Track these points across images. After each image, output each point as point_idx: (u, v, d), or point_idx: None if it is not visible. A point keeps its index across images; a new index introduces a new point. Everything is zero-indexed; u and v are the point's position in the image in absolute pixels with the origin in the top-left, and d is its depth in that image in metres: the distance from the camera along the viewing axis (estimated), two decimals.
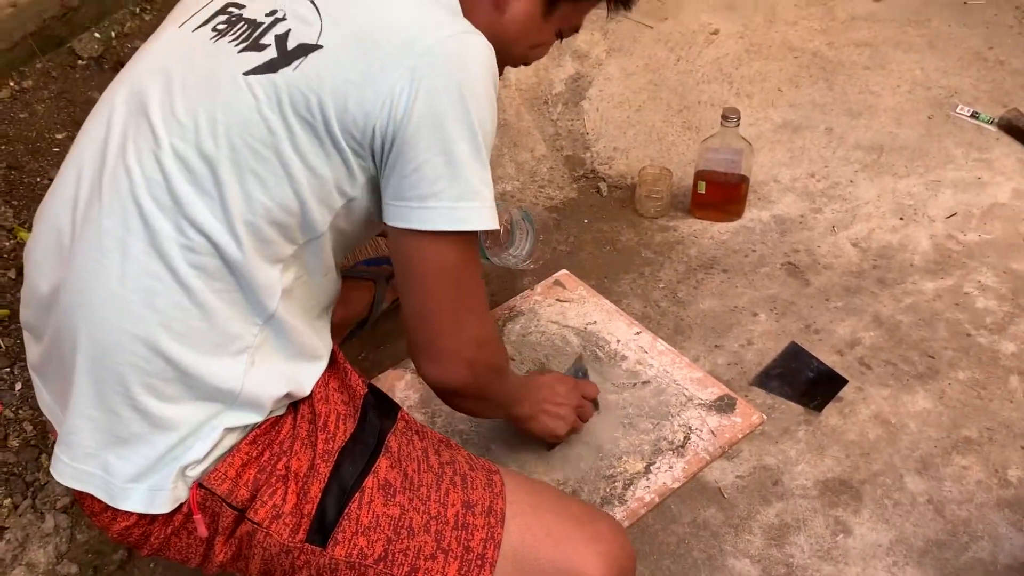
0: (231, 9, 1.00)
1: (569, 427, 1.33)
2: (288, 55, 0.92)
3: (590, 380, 1.46)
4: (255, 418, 0.95)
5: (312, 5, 0.96)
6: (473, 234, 0.97)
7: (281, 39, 0.94)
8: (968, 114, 2.15)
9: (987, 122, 2.12)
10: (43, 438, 1.37)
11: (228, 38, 0.96)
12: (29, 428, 1.37)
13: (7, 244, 1.61)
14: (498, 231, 1.48)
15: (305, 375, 1.00)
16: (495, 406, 1.20)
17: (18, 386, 1.42)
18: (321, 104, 0.90)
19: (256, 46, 0.94)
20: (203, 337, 0.91)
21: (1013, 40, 2.42)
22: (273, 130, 0.90)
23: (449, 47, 0.92)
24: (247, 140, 0.90)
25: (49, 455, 1.35)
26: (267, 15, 0.97)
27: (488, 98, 0.94)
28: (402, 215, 0.94)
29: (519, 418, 1.27)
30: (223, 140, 0.90)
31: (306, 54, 0.92)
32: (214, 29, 0.98)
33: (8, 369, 1.44)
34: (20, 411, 1.39)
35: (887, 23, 2.51)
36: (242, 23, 0.97)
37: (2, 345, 1.46)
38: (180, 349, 0.90)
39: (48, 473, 1.33)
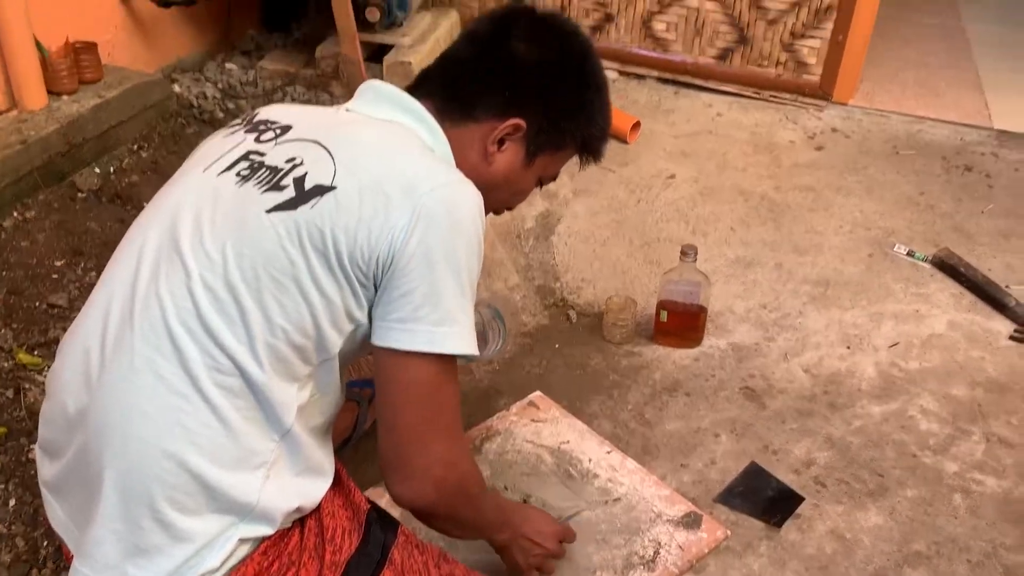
0: (252, 157, 1.10)
1: (535, 569, 1.34)
2: (306, 195, 1.03)
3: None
4: (267, 530, 1.01)
5: (326, 152, 1.07)
6: (450, 358, 1.05)
7: (299, 181, 1.04)
8: (905, 252, 2.35)
9: (922, 260, 2.32)
10: (34, 554, 1.40)
11: (252, 182, 1.06)
12: (21, 544, 1.41)
13: (5, 365, 1.68)
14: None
15: (314, 490, 1.07)
16: (470, 529, 1.22)
17: (11, 502, 1.46)
18: (335, 239, 1.00)
19: (277, 187, 1.05)
20: (226, 452, 0.98)
21: (940, 187, 2.67)
22: (293, 261, 1.00)
23: (445, 194, 1.03)
24: (269, 271, 1.00)
25: (40, 570, 1.38)
26: (286, 162, 1.08)
27: (477, 240, 1.05)
28: (385, 335, 1.03)
29: (495, 543, 1.29)
30: (248, 272, 0.99)
31: (322, 194, 1.02)
32: (238, 174, 1.08)
33: (3, 486, 1.48)
34: (13, 527, 1.43)
35: (828, 170, 2.76)
36: (264, 169, 1.08)
37: None
38: (204, 463, 0.97)
39: None
